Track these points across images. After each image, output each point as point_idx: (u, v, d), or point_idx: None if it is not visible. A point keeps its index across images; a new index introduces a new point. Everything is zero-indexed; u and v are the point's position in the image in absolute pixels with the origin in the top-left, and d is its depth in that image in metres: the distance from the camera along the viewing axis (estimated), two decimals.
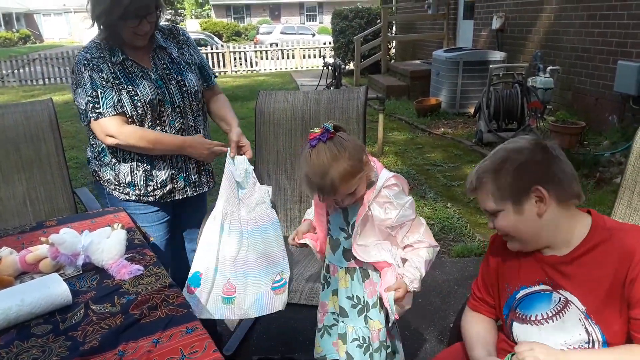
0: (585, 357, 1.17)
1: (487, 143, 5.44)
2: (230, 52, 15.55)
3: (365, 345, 1.63)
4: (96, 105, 1.86)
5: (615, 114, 5.25)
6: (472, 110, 6.63)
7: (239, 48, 16.29)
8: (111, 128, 1.86)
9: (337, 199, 1.50)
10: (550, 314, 1.23)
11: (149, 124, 1.93)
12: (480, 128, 5.51)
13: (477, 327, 1.42)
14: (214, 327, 2.31)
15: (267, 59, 15.96)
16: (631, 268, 1.11)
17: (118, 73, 1.89)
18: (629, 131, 4.74)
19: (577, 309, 1.20)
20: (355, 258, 1.59)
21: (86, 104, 1.88)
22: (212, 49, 15.67)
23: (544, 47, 6.36)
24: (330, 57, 12.04)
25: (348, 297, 1.63)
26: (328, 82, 8.52)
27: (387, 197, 1.50)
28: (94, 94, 1.86)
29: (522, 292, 1.29)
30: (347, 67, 11.92)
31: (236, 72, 15.33)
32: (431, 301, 2.77)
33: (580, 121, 5.27)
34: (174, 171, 2.03)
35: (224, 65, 15.34)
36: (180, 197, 2.09)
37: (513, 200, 1.21)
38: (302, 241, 1.70)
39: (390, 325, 1.66)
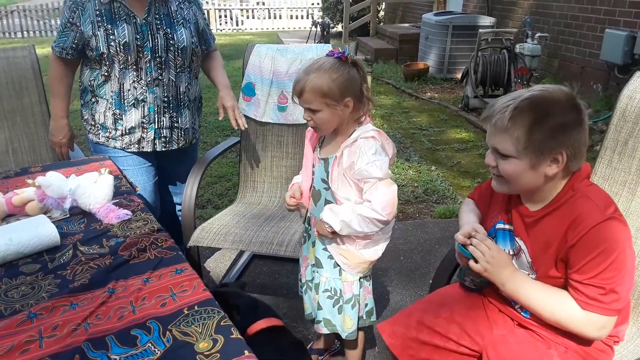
0: (524, 284, 1.25)
1: (473, 108, 5.46)
2: (215, 9, 15.16)
3: (335, 297, 1.66)
4: (62, 39, 1.97)
5: (600, 83, 5.29)
6: (459, 76, 6.62)
7: (224, 5, 15.89)
8: (57, 62, 2.01)
9: (301, 104, 1.52)
10: (510, 253, 1.33)
11: (121, 66, 1.95)
12: (467, 93, 5.52)
13: (472, 205, 1.51)
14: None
15: (253, 18, 15.61)
16: (575, 233, 1.16)
17: (102, 11, 1.91)
18: (613, 100, 4.79)
19: (525, 258, 1.29)
20: None
21: (59, 33, 1.98)
22: None
23: (533, 14, 6.32)
24: (319, 17, 11.81)
25: (323, 249, 1.65)
26: (316, 43, 8.40)
27: (360, 147, 1.49)
28: (60, 28, 1.98)
29: (499, 226, 1.36)
30: (335, 28, 11.74)
31: (221, 30, 14.98)
32: (412, 259, 2.83)
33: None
34: (144, 120, 2.04)
35: (209, 23, 14.99)
36: (150, 150, 2.09)
37: (534, 155, 1.17)
38: (299, 203, 1.71)
39: (361, 279, 1.69)
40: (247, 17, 15.64)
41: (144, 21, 1.95)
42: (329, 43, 8.24)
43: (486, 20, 6.84)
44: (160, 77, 2.01)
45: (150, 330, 1.01)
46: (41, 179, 1.44)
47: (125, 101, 2.01)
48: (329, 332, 1.68)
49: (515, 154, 1.18)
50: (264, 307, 1.60)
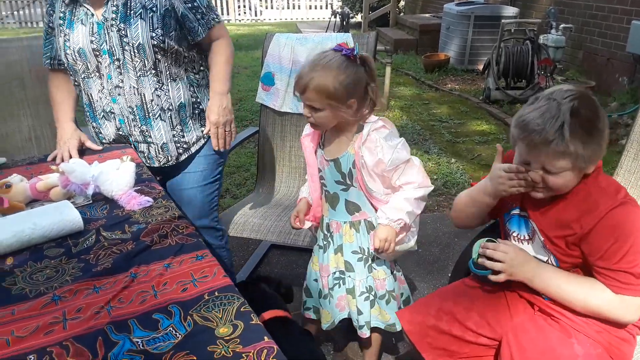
0: (553, 277, 1.27)
1: (495, 100, 5.39)
2: None
3: (371, 297, 1.65)
4: (44, 50, 1.85)
5: (626, 76, 5.17)
6: (481, 67, 6.53)
7: None
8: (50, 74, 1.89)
9: (302, 100, 1.47)
10: (526, 237, 1.36)
11: (83, 75, 1.77)
12: (488, 85, 5.45)
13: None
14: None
15: (272, 8, 15.59)
16: (590, 220, 1.19)
17: (65, 14, 1.74)
18: (639, 93, 4.69)
19: (539, 240, 1.32)
20: (359, 210, 1.59)
21: (45, 30, 1.85)
22: None
23: (557, 4, 6.19)
24: (338, 7, 11.73)
25: (354, 252, 1.62)
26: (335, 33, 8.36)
27: (376, 141, 1.47)
28: (43, 36, 1.83)
29: (514, 212, 1.38)
30: (354, 19, 11.65)
31: (240, 20, 14.99)
32: (431, 251, 2.81)
33: (589, 81, 5.20)
34: (120, 132, 1.85)
35: (228, 13, 14.98)
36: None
37: (586, 163, 1.19)
38: (305, 226, 1.70)
39: (394, 273, 1.69)
40: (266, 8, 15.62)
41: (101, 18, 1.69)
42: (349, 33, 8.18)
43: (509, 11, 6.73)
44: (120, 85, 1.74)
45: (172, 314, 1.02)
46: (65, 165, 1.47)
47: (96, 113, 1.83)
48: (369, 334, 1.68)
49: (570, 168, 1.18)
50: (272, 300, 1.59)
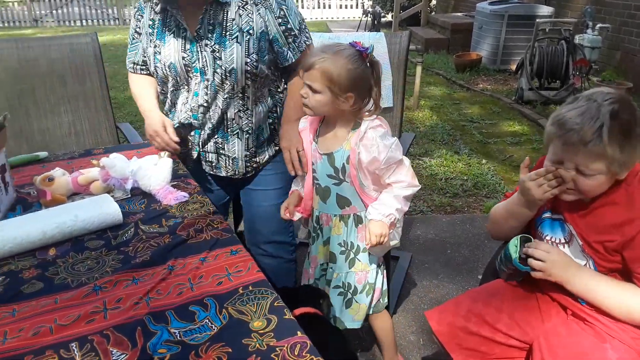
0: (592, 281, 1.24)
1: (528, 101, 5.29)
2: None
3: (349, 295, 1.67)
4: (128, 54, 1.83)
5: None
6: (514, 67, 6.42)
7: None
8: (133, 79, 1.87)
9: (304, 78, 1.50)
10: (562, 240, 1.34)
11: (172, 88, 1.75)
12: (521, 85, 5.36)
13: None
14: None
15: (302, 7, 15.63)
16: (633, 228, 1.17)
17: (155, 23, 1.69)
18: None
19: (578, 244, 1.30)
20: (349, 205, 1.61)
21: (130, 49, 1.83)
22: None
23: (594, 3, 6.05)
24: (369, 6, 11.69)
25: (339, 244, 1.65)
26: (367, 32, 8.34)
27: (372, 139, 1.49)
28: (129, 40, 1.81)
29: (546, 215, 1.37)
30: (385, 18, 11.60)
31: None
32: (460, 253, 2.79)
33: (627, 82, 5.06)
34: (192, 141, 1.80)
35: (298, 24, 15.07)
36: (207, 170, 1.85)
37: (620, 167, 1.17)
38: (295, 217, 1.73)
39: (380, 266, 1.70)
40: (297, 7, 15.68)
41: (194, 34, 1.63)
42: (381, 32, 8.16)
43: (544, 10, 6.60)
44: (205, 104, 1.69)
45: (208, 307, 1.05)
46: (105, 160, 1.51)
47: (173, 120, 1.78)
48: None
49: (605, 171, 1.17)
50: (305, 297, 1.61)
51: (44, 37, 2.92)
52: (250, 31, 1.61)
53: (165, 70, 1.68)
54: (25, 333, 0.99)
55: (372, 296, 1.68)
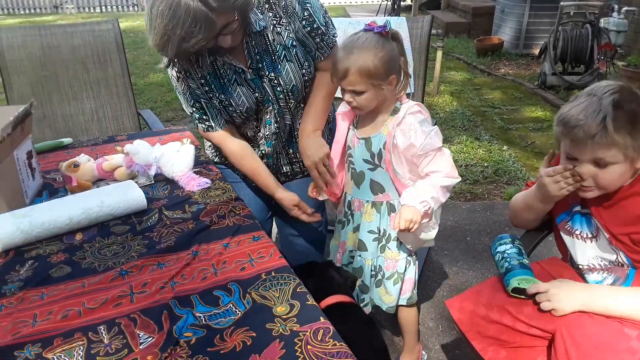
0: (607, 299, 1.25)
1: (551, 86, 5.19)
2: None
3: (379, 277, 1.66)
4: (204, 117, 1.61)
5: None
6: (536, 51, 6.30)
7: None
8: (218, 140, 1.66)
9: (343, 86, 1.47)
10: (589, 235, 1.34)
11: (242, 122, 1.66)
12: (544, 70, 5.25)
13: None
14: None
15: None
16: None
17: (208, 78, 1.54)
18: None
19: (605, 238, 1.30)
20: (383, 191, 1.59)
21: (191, 113, 1.64)
22: None
23: None
24: None
25: (370, 231, 1.64)
26: (387, 16, 8.24)
27: (411, 124, 1.47)
28: (197, 105, 1.59)
29: (576, 209, 1.37)
30: (405, 2, 11.44)
31: None
32: (480, 240, 2.78)
33: None
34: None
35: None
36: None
37: (637, 155, 1.18)
38: (321, 198, 1.70)
39: (410, 257, 1.68)
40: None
41: (250, 70, 1.54)
42: (400, 16, 8.05)
43: None
44: (277, 129, 1.66)
45: (231, 292, 1.06)
46: (129, 146, 1.53)
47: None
48: (372, 310, 1.70)
49: (622, 159, 1.17)
50: (337, 285, 1.56)
51: (65, 24, 2.95)
52: (294, 42, 1.55)
53: (243, 115, 1.60)
54: (55, 316, 1.02)
55: (401, 287, 1.67)
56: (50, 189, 1.56)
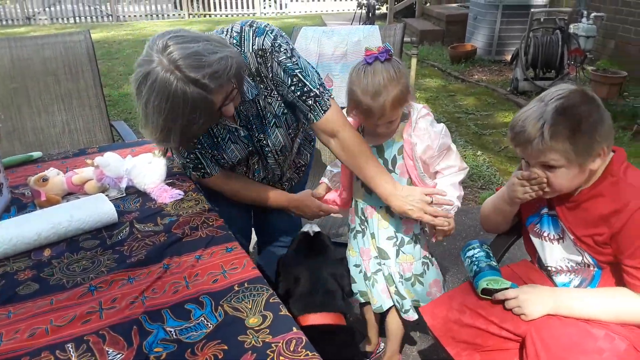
0: (573, 302, 1.29)
1: (523, 92, 5.29)
2: None
3: (403, 281, 1.67)
4: (199, 166, 1.61)
5: None
6: (508, 57, 6.41)
7: None
8: (215, 183, 1.66)
9: (378, 123, 1.48)
10: (556, 237, 1.38)
11: (231, 168, 1.69)
12: (516, 76, 5.35)
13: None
14: None
15: (297, 0, 15.56)
16: (619, 220, 1.20)
17: (200, 139, 1.55)
18: None
19: (570, 240, 1.34)
20: None
21: (184, 164, 1.66)
22: None
23: None
24: None
25: (388, 238, 1.65)
26: (361, 25, 8.32)
27: (425, 129, 1.50)
28: (191, 155, 1.59)
29: (544, 211, 1.40)
30: (380, 10, 11.56)
31: (265, 14, 15.02)
32: (456, 245, 2.80)
33: (621, 71, 5.06)
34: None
35: (253, 7, 15.02)
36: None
37: (582, 158, 1.21)
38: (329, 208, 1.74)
39: (426, 258, 1.69)
40: (291, 0, 15.60)
41: (241, 127, 1.56)
42: (374, 25, 8.13)
43: (539, 0, 6.58)
44: (266, 176, 1.73)
45: (203, 304, 1.05)
46: (100, 159, 1.51)
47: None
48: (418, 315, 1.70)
49: (565, 163, 1.21)
50: (330, 295, 1.49)
51: (36, 35, 2.90)
52: (284, 110, 1.55)
53: (234, 163, 1.63)
54: (22, 335, 0.99)
55: (418, 287, 1.68)
56: (19, 204, 1.53)
